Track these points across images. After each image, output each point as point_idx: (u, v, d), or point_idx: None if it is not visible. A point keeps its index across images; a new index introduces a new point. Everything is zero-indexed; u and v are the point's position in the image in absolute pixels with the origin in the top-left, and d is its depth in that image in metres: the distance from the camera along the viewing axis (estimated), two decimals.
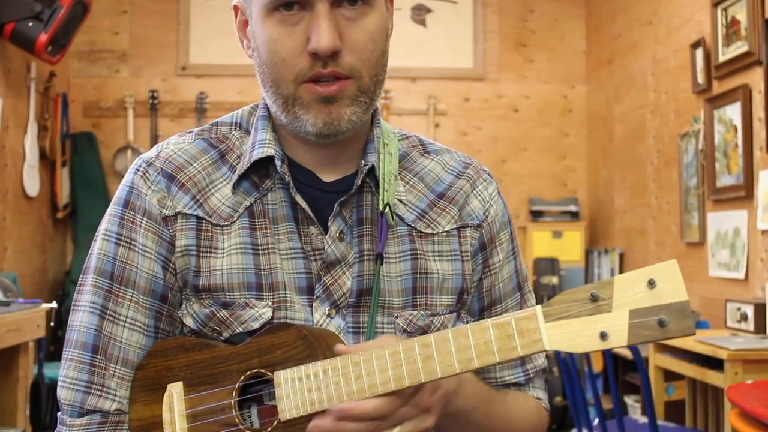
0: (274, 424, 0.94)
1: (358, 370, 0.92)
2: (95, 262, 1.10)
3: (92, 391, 1.06)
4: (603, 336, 0.79)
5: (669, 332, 0.77)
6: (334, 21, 1.01)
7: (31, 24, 4.12)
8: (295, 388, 0.94)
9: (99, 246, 1.10)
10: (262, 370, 0.99)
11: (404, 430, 0.92)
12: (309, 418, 0.93)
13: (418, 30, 5.66)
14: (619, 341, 0.78)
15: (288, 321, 1.06)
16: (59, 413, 1.08)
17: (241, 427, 0.96)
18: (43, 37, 4.14)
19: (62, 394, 1.07)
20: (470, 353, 0.86)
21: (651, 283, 0.79)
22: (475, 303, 1.18)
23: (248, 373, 1.00)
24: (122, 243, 1.09)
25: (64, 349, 1.09)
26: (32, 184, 4.67)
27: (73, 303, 1.10)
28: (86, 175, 5.21)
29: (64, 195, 5.07)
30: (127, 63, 5.52)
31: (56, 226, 5.14)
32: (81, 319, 1.08)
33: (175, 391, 1.03)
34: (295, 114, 1.05)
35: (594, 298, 0.81)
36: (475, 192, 1.18)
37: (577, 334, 0.81)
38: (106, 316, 1.07)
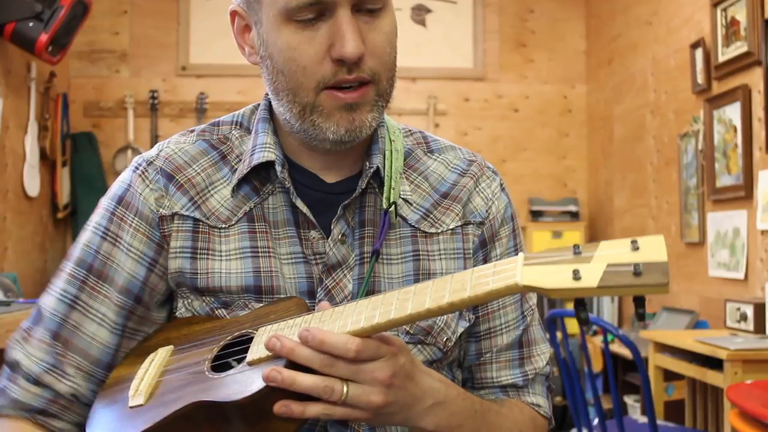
0: (239, 366, 0.93)
1: (337, 315, 0.91)
2: (78, 252, 1.10)
3: (51, 372, 1.07)
4: (575, 274, 0.78)
5: (642, 282, 0.76)
6: (357, 26, 1.00)
7: (31, 24, 4.12)
8: (269, 334, 0.94)
9: (86, 237, 1.11)
10: (250, 331, 0.98)
11: (351, 392, 0.89)
12: (273, 359, 0.91)
13: (418, 30, 5.66)
14: (590, 282, 0.78)
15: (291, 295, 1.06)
16: (8, 369, 1.08)
17: (206, 373, 0.95)
18: (44, 38, 4.14)
19: (23, 361, 1.06)
20: (444, 292, 0.86)
21: (634, 245, 0.80)
22: None
23: (236, 333, 0.99)
24: (108, 238, 1.10)
25: (30, 324, 1.09)
26: (32, 184, 4.67)
27: (48, 286, 1.11)
28: (86, 175, 5.21)
29: (64, 195, 5.07)
30: (127, 63, 5.53)
31: (57, 226, 5.15)
32: (49, 304, 1.09)
33: (162, 351, 1.03)
34: (313, 122, 1.04)
35: (576, 253, 0.81)
36: (478, 189, 1.17)
37: (550, 273, 0.80)
38: (77, 307, 1.08)
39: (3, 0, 4.06)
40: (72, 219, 5.22)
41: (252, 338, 0.97)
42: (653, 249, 0.79)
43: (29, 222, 4.70)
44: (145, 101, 5.45)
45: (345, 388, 0.89)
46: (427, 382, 0.96)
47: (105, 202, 1.12)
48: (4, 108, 4.26)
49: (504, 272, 0.83)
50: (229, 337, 1.00)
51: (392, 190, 1.09)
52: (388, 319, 0.87)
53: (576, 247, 0.82)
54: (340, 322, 0.90)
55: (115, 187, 1.13)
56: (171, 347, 1.03)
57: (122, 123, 5.46)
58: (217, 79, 5.47)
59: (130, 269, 1.09)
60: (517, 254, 1.17)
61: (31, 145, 4.63)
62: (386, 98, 1.07)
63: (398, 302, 0.88)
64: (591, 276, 0.78)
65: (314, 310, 1.04)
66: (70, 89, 5.36)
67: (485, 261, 1.16)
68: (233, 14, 1.10)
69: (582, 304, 0.83)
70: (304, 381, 0.88)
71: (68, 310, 1.08)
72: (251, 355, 0.93)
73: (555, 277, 0.80)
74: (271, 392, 0.88)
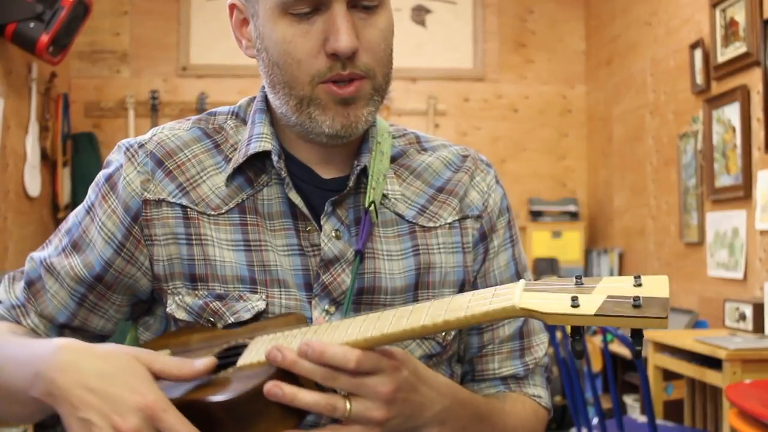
0: (228, 369, 0.93)
1: (332, 329, 0.91)
2: (70, 220, 1.15)
3: (18, 308, 1.14)
4: (574, 300, 0.77)
5: (641, 314, 0.75)
6: (352, 21, 1.01)
7: (32, 25, 4.13)
8: (264, 344, 0.93)
9: (78, 209, 1.15)
10: (246, 340, 0.98)
11: (355, 408, 0.88)
12: (263, 365, 0.90)
13: (418, 30, 5.67)
14: (588, 309, 0.77)
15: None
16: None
17: None
18: (45, 38, 4.15)
19: (2, 296, 1.16)
20: (441, 311, 0.85)
21: (637, 281, 0.79)
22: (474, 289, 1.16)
23: (232, 342, 0.99)
24: (90, 213, 1.13)
25: (20, 270, 1.17)
26: (33, 184, 4.68)
27: (47, 239, 1.17)
28: (87, 175, 5.22)
29: (65, 195, 5.08)
30: (127, 63, 5.54)
31: (57, 226, 5.15)
32: (35, 258, 1.15)
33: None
34: (310, 115, 1.05)
35: (578, 284, 0.81)
36: (473, 183, 1.18)
37: (549, 299, 0.80)
38: (47, 264, 1.13)
39: (4, 0, 4.07)
40: None
41: (245, 343, 0.97)
42: (656, 286, 0.79)
43: (30, 222, 4.71)
44: (146, 101, 5.46)
45: (348, 405, 0.88)
46: (431, 392, 0.95)
47: (98, 177, 1.15)
48: (5, 108, 4.27)
49: (503, 295, 0.83)
50: (225, 345, 0.99)
51: (372, 190, 1.09)
52: (382, 333, 0.86)
53: (578, 278, 0.81)
54: (335, 335, 0.89)
55: (110, 165, 1.15)
56: (167, 351, 1.03)
57: (123, 123, 5.47)
58: (217, 80, 5.48)
59: (99, 247, 1.10)
60: (513, 244, 1.19)
61: (32, 145, 4.64)
62: (382, 94, 1.07)
63: (395, 318, 0.87)
64: (589, 304, 0.77)
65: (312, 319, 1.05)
66: (70, 89, 5.37)
67: (485, 253, 1.17)
68: (232, 7, 1.11)
69: (578, 334, 0.81)
70: (306, 397, 0.87)
71: (41, 267, 1.13)
72: (242, 360, 0.93)
73: (553, 302, 0.79)
74: (251, 398, 0.87)
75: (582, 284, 0.81)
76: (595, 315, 0.76)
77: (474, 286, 1.16)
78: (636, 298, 0.76)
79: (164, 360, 0.91)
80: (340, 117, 1.04)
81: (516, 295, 0.81)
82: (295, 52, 1.02)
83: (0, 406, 1.04)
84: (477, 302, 0.84)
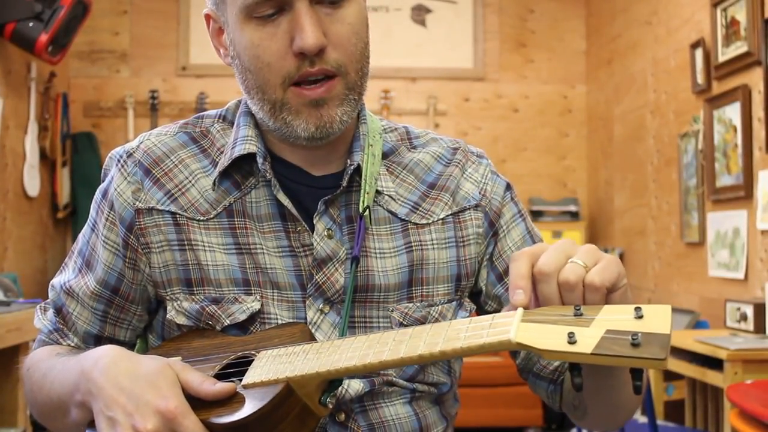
0: (235, 381, 0.95)
1: (334, 349, 0.92)
2: (80, 242, 1.17)
3: (56, 332, 1.16)
4: (570, 337, 0.76)
5: (639, 354, 0.74)
6: (317, 18, 1.01)
7: (31, 24, 4.12)
8: (269, 361, 0.95)
9: (85, 228, 1.17)
10: (253, 352, 1.00)
11: None
12: (267, 385, 0.92)
13: (418, 30, 5.66)
14: (585, 347, 0.75)
15: (296, 321, 1.07)
16: (37, 335, 1.19)
17: None
18: (44, 38, 4.14)
19: (38, 324, 1.18)
20: (439, 339, 0.85)
21: (638, 313, 0.78)
22: (489, 274, 1.16)
23: (239, 353, 1.01)
24: (94, 230, 1.15)
25: (48, 300, 1.20)
26: (33, 184, 4.67)
27: (64, 263, 1.20)
28: (86, 175, 5.21)
29: (64, 195, 5.07)
30: (127, 63, 5.53)
31: (56, 226, 5.15)
32: (56, 284, 1.18)
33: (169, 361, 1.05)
34: (285, 120, 1.05)
35: (577, 314, 0.80)
36: (465, 175, 1.18)
37: (545, 333, 0.79)
38: (67, 286, 1.15)
39: (3, 0, 4.07)
40: (72, 219, 5.23)
41: (252, 360, 0.98)
42: (657, 319, 0.77)
43: (29, 222, 4.70)
44: (145, 101, 5.45)
45: None
46: None
47: (96, 195, 1.17)
48: (4, 108, 4.26)
49: (500, 326, 0.82)
50: (232, 357, 1.01)
51: (366, 195, 1.09)
52: (380, 361, 0.87)
53: (577, 308, 0.80)
54: (335, 357, 0.90)
55: (104, 181, 1.16)
56: (179, 358, 1.05)
57: (122, 123, 5.46)
58: (217, 79, 5.47)
59: (106, 260, 1.12)
60: (524, 219, 1.19)
61: (31, 145, 4.63)
62: (357, 91, 1.06)
63: (393, 343, 0.88)
64: (586, 341, 0.76)
65: (315, 325, 1.06)
66: (70, 89, 5.36)
67: (496, 235, 1.17)
68: (207, 17, 1.12)
69: (577, 368, 0.80)
70: None
71: (62, 292, 1.16)
72: (247, 379, 0.95)
73: (550, 337, 0.78)
74: (256, 421, 0.90)
75: (581, 315, 0.80)
76: (592, 354, 0.75)
77: (492, 269, 1.16)
78: (635, 335, 0.75)
79: (190, 372, 0.94)
80: (313, 119, 1.03)
81: (513, 327, 0.80)
82: (264, 56, 1.02)
83: (55, 420, 1.08)
84: (474, 332, 0.83)
